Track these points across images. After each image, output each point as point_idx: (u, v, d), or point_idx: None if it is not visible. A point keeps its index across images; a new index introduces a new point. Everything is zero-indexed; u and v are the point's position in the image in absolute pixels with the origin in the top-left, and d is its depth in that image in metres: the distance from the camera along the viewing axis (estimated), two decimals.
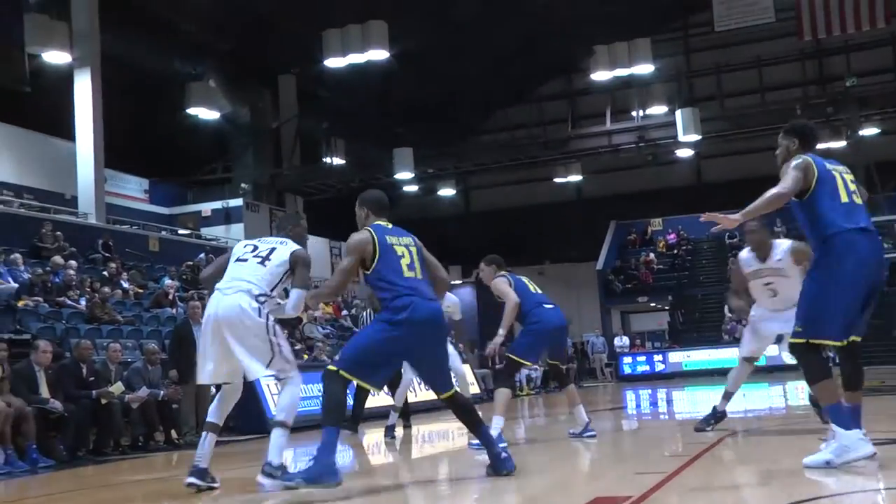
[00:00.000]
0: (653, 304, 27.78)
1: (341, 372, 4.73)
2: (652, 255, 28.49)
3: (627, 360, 24.62)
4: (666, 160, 27.52)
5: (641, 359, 24.58)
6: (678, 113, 23.37)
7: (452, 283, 32.44)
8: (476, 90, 27.38)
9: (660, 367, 23.84)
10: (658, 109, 24.69)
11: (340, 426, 4.90)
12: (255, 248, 5.19)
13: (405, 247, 5.04)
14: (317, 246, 27.14)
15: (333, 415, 4.69)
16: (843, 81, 23.87)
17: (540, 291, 7.31)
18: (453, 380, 5.53)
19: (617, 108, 25.26)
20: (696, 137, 23.59)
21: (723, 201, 26.94)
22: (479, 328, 30.23)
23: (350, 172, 25.51)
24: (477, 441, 5.70)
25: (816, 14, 21.73)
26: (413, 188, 28.26)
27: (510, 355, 7.06)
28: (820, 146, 19.84)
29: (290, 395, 5.01)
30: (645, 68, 23.00)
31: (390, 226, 5.13)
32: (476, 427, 5.08)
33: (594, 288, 27.72)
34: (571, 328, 28.69)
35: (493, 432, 6.31)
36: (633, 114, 25.13)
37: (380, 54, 21.02)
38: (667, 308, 26.76)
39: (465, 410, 5.08)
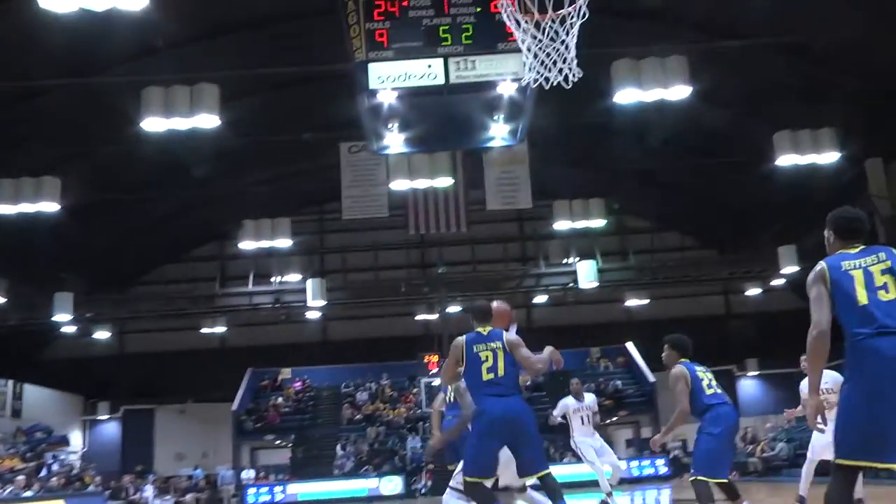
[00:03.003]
0: (279, 442, 30.38)
1: (468, 480, 6.02)
2: (280, 399, 31.45)
3: (252, 490, 26.73)
4: (298, 319, 31.21)
5: (264, 489, 26.81)
6: (309, 281, 27.02)
7: (100, 417, 34.03)
8: (139, 245, 29.80)
9: (280, 496, 26.35)
10: (294, 277, 28.21)
11: None
12: None
13: (492, 350, 6.11)
14: None
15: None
16: (437, 268, 29.31)
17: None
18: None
19: (259, 273, 28.72)
20: (322, 303, 27.45)
21: (344, 356, 32.27)
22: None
23: (9, 311, 26.83)
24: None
25: (419, 215, 25.20)
26: (71, 329, 29.84)
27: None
28: (418, 317, 26.20)
29: None
30: (285, 242, 25.45)
31: (487, 331, 6.26)
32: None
33: (229, 426, 30.16)
34: (206, 462, 31.78)
35: None
36: (273, 279, 28.63)
37: (50, 206, 21.62)
38: (290, 445, 29.67)
39: (552, 490, 5.98)
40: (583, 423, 10.41)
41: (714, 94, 22.60)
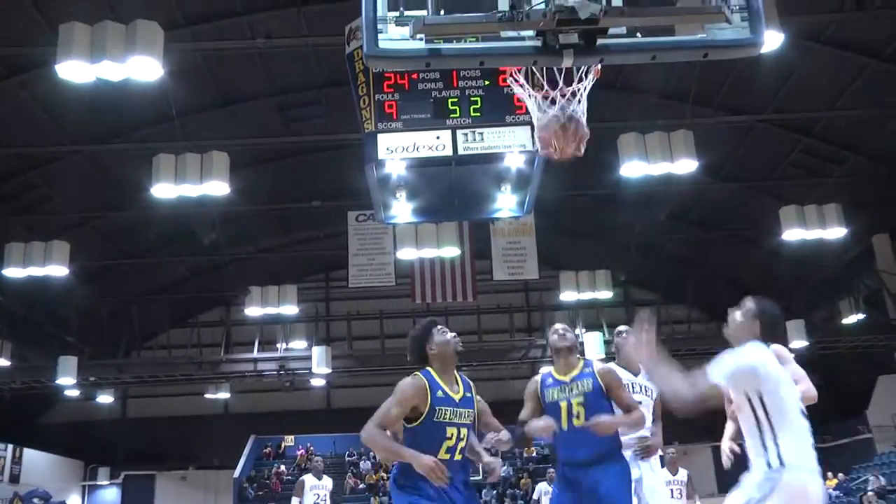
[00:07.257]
0: None
1: None
2: (283, 468, 31.22)
3: None
4: (302, 386, 30.94)
5: None
6: (314, 349, 26.92)
7: (100, 483, 33.60)
8: (145, 310, 29.46)
9: None
10: (299, 344, 28.16)
11: None
12: None
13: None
14: None
15: None
16: None
17: None
18: None
19: (264, 340, 28.68)
20: (327, 371, 27.25)
21: (348, 424, 31.88)
22: None
23: (13, 374, 26.74)
24: None
25: (425, 284, 25.76)
26: (74, 393, 29.75)
27: None
28: None
29: None
30: (290, 309, 25.32)
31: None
32: None
33: (230, 494, 29.88)
34: None
35: None
36: (278, 345, 28.47)
37: (58, 270, 21.59)
38: None
39: None
40: None
41: (721, 168, 22.84)
